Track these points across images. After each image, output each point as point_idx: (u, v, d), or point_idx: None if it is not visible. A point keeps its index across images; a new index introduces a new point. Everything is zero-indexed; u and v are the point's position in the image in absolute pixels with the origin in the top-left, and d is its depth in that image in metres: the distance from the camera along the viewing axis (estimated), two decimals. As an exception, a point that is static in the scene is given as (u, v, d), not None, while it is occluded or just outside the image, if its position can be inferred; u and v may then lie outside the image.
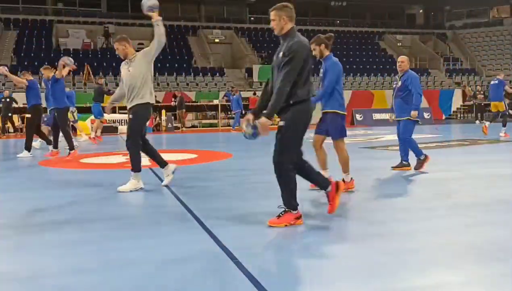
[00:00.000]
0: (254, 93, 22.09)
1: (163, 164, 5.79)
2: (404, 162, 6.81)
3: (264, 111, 3.69)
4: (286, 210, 3.81)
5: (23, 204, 4.99)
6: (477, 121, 22.03)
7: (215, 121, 22.18)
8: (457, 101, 28.11)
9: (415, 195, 5.14)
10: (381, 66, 30.95)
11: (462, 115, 27.49)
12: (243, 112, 19.92)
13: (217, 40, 31.82)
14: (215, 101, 22.27)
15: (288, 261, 3.03)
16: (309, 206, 4.66)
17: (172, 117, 20.25)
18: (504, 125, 13.07)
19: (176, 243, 3.45)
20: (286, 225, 3.74)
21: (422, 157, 6.65)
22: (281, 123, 3.80)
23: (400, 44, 34.85)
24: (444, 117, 27.52)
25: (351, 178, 5.40)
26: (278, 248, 3.28)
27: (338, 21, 36.74)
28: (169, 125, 19.77)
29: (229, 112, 22.77)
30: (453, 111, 28.15)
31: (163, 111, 20.14)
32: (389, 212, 4.35)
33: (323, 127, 5.40)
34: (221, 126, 21.85)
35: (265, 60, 29.10)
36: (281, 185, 3.85)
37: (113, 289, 2.62)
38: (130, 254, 3.22)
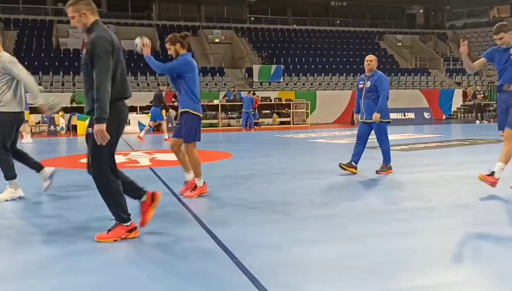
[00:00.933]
0: (254, 93, 22.09)
1: (38, 168, 5.37)
2: (353, 163, 6.68)
3: (94, 117, 3.31)
4: (117, 223, 3.48)
5: (21, 203, 4.99)
6: (477, 121, 22.03)
7: (215, 121, 22.17)
8: (457, 101, 28.11)
9: (415, 194, 5.14)
10: (382, 66, 30.87)
11: (462, 115, 27.49)
12: (254, 112, 20.15)
13: (217, 40, 31.81)
14: (215, 101, 22.27)
15: (288, 260, 3.03)
16: (308, 206, 4.66)
17: (173, 117, 20.24)
18: None
19: (176, 243, 3.45)
20: (115, 240, 3.42)
21: (388, 164, 6.54)
22: (89, 130, 3.42)
23: (400, 44, 34.83)
24: (444, 117, 27.51)
25: (204, 182, 5.14)
26: (278, 247, 3.28)
27: (338, 21, 36.73)
28: (169, 125, 19.76)
29: (229, 112, 22.77)
30: (453, 111, 28.14)
31: (163, 111, 20.12)
32: (389, 211, 4.35)
33: (180, 129, 5.13)
34: (221, 126, 21.84)
35: (265, 60, 29.09)
36: (103, 198, 3.50)
37: (112, 289, 2.62)
38: (130, 253, 3.22)
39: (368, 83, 6.54)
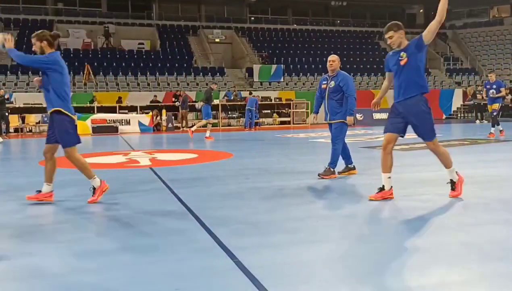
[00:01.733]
0: (250, 93, 22.11)
1: None
2: (349, 165, 6.54)
3: None
4: None
5: (22, 203, 4.99)
6: (477, 121, 22.02)
7: (215, 121, 22.18)
8: (457, 101, 28.11)
9: (414, 194, 5.14)
10: (382, 66, 30.85)
11: (462, 115, 27.49)
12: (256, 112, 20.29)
13: (217, 40, 31.81)
14: (216, 101, 22.27)
15: (288, 260, 3.03)
16: (308, 205, 4.66)
17: (172, 117, 20.25)
18: (493, 126, 13.05)
19: (176, 242, 3.45)
20: None
21: (333, 168, 6.28)
22: None
23: (400, 44, 34.80)
24: (444, 117, 27.51)
25: (101, 180, 4.98)
26: (278, 247, 3.28)
27: (338, 21, 36.74)
28: (169, 125, 19.77)
29: (229, 112, 22.78)
30: (453, 111, 28.14)
31: (164, 111, 20.14)
32: (388, 211, 4.35)
33: (52, 135, 4.88)
34: (221, 126, 21.85)
35: (265, 60, 29.09)
36: None
37: (112, 289, 2.62)
38: (130, 253, 3.22)
39: (332, 84, 6.29)
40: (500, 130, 13.25)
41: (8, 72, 24.37)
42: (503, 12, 37.65)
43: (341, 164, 6.57)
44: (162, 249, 3.29)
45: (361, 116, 22.35)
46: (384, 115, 22.95)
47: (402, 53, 4.67)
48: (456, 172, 4.88)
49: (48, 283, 2.74)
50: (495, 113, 13.50)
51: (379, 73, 29.64)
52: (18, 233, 3.86)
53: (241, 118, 22.22)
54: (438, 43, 35.45)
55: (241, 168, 7.55)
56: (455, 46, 35.36)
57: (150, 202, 5.05)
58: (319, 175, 6.20)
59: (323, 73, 31.07)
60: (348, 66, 30.21)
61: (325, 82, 6.43)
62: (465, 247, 3.22)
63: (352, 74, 29.32)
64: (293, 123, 22.82)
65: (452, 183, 4.82)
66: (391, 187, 4.82)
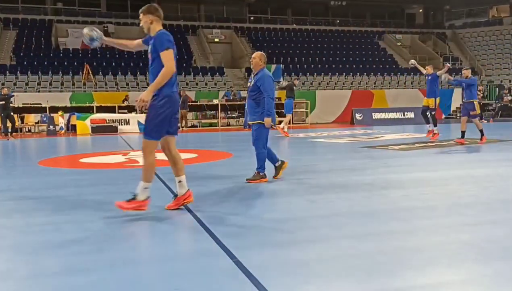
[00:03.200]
0: None
1: None
2: (260, 172, 6.07)
3: None
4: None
5: (22, 203, 4.99)
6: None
7: (215, 121, 22.17)
8: (456, 101, 28.11)
9: (414, 194, 5.14)
10: (381, 66, 30.94)
11: (461, 114, 27.47)
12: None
13: (216, 40, 31.79)
14: (215, 101, 22.27)
15: (287, 260, 3.03)
16: (308, 204, 4.66)
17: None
18: (435, 125, 12.26)
19: (176, 242, 3.45)
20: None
21: (262, 173, 5.96)
22: None
23: (399, 43, 34.85)
24: (443, 116, 27.51)
25: None
26: (277, 247, 3.27)
27: (338, 21, 36.73)
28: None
29: (228, 112, 22.76)
30: (453, 111, 28.15)
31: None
32: (388, 211, 4.35)
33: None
34: (221, 126, 21.85)
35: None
36: None
37: (112, 288, 2.62)
38: (130, 253, 3.22)
39: (252, 82, 5.96)
40: (430, 131, 12.29)
41: (7, 72, 24.35)
42: (502, 12, 37.67)
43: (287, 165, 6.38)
44: (161, 249, 3.29)
45: (360, 116, 22.36)
46: (383, 115, 22.99)
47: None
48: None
49: (47, 282, 2.73)
50: (433, 113, 12.41)
51: (379, 73, 29.64)
52: (17, 233, 3.85)
53: (241, 118, 22.22)
54: (438, 43, 35.47)
55: (241, 167, 7.55)
56: (454, 46, 35.38)
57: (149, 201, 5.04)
58: (247, 179, 5.90)
59: (322, 73, 30.95)
60: (347, 66, 30.22)
61: (250, 80, 6.11)
62: (464, 246, 3.22)
63: (351, 73, 29.38)
64: (293, 123, 22.81)
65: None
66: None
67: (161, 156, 4.91)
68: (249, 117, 6.09)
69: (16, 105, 19.78)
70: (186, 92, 21.98)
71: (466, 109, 10.75)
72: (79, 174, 7.27)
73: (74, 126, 18.34)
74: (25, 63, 25.07)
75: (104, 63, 26.67)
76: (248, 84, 6.18)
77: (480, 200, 4.72)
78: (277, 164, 6.27)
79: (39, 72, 24.13)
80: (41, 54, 26.12)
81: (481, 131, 10.72)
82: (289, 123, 14.50)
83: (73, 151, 12.28)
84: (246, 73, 28.31)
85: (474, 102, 10.61)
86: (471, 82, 10.64)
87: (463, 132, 10.71)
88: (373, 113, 22.62)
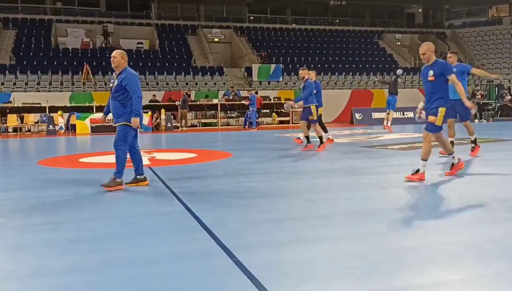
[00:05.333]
0: (256, 92, 22.10)
1: None
2: (138, 177, 5.83)
3: None
4: None
5: (22, 203, 4.99)
6: (476, 120, 22.06)
7: (214, 120, 22.17)
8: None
9: (414, 193, 5.15)
10: (381, 66, 30.95)
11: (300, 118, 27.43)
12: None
13: (216, 40, 31.79)
14: (215, 101, 22.27)
15: (287, 259, 3.03)
16: (307, 204, 4.67)
17: (172, 116, 20.24)
18: (325, 131, 11.26)
19: (176, 242, 3.45)
20: None
21: (119, 179, 5.62)
22: None
23: (399, 43, 34.86)
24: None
25: None
26: (277, 246, 3.28)
27: (337, 20, 36.74)
28: (169, 124, 19.76)
29: (228, 112, 22.76)
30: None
31: (163, 111, 20.13)
32: (388, 210, 4.35)
33: None
34: (220, 125, 21.85)
35: (264, 59, 29.08)
36: None
37: (111, 288, 2.62)
38: (129, 253, 3.22)
39: (116, 82, 5.67)
40: (328, 138, 11.32)
41: (7, 71, 24.34)
42: (501, 11, 37.68)
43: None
44: (161, 248, 3.29)
45: (360, 116, 22.37)
46: (383, 115, 22.96)
47: None
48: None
49: (46, 282, 2.74)
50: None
51: (378, 73, 29.65)
52: (17, 233, 3.85)
53: (240, 118, 22.22)
54: (437, 42, 35.47)
55: (240, 167, 7.55)
56: (454, 46, 35.35)
57: (149, 201, 5.05)
58: (102, 185, 5.57)
59: (322, 73, 30.94)
60: (347, 65, 30.22)
61: (113, 80, 5.79)
62: (464, 246, 3.22)
63: (351, 73, 29.37)
64: (292, 123, 22.81)
65: None
66: None
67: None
68: (114, 119, 5.73)
69: (15, 105, 19.80)
70: (186, 92, 21.98)
71: (304, 114, 9.93)
72: (79, 174, 7.27)
73: (73, 126, 18.34)
74: (24, 63, 25.05)
75: (103, 63, 26.65)
76: (110, 85, 5.80)
77: (479, 199, 4.73)
78: (140, 176, 5.84)
79: (39, 72, 24.12)
80: (41, 54, 26.10)
81: (320, 137, 9.95)
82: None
83: (73, 150, 12.28)
84: (246, 73, 28.33)
85: (311, 107, 9.78)
86: (312, 88, 9.87)
87: (307, 137, 9.99)
88: (372, 113, 22.63)
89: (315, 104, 9.98)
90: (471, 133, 8.36)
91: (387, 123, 14.97)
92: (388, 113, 14.91)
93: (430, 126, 5.89)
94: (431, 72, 5.90)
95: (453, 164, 6.24)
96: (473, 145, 8.41)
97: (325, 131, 11.41)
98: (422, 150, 5.95)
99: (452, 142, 8.04)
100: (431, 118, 5.88)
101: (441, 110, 5.85)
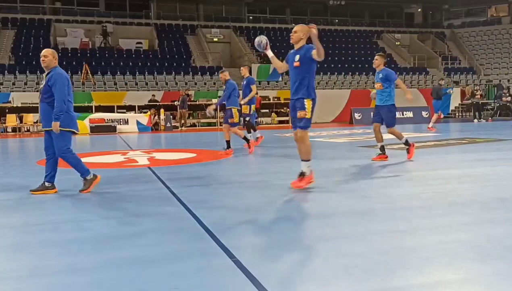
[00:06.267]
0: (256, 93, 22.09)
1: None
2: (46, 184, 5.42)
3: None
4: None
5: (21, 203, 4.99)
6: (475, 120, 22.08)
7: (213, 120, 22.17)
8: (455, 100, 28.15)
9: (413, 193, 5.14)
10: (380, 65, 30.93)
11: (460, 114, 27.53)
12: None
13: (215, 39, 31.79)
14: (214, 101, 22.26)
15: (286, 259, 3.03)
16: (307, 204, 4.67)
17: (171, 116, 20.25)
18: (250, 132, 11.24)
19: (175, 242, 3.45)
20: None
21: (89, 176, 5.45)
22: None
23: (398, 43, 34.87)
24: (442, 116, 27.54)
25: None
26: (276, 246, 3.27)
27: (336, 20, 36.74)
28: (168, 124, 19.76)
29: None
30: (452, 110, 28.19)
31: (162, 111, 20.13)
32: (387, 210, 4.35)
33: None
34: (220, 125, 21.84)
35: (263, 59, 29.07)
36: None
37: (110, 288, 2.62)
38: (128, 253, 3.22)
39: (44, 83, 5.37)
40: (257, 138, 11.06)
41: (6, 71, 24.32)
42: (501, 11, 37.72)
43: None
44: (160, 248, 3.29)
45: (359, 116, 22.37)
46: (382, 115, 22.95)
47: None
48: None
49: (46, 282, 2.73)
50: (247, 119, 11.06)
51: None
52: (17, 232, 3.85)
53: (240, 118, 22.21)
54: (436, 42, 35.49)
55: (240, 167, 7.55)
56: (453, 46, 35.41)
57: (148, 201, 5.04)
58: (80, 191, 5.41)
59: (321, 73, 30.99)
60: (346, 65, 30.23)
61: (42, 81, 5.50)
62: (463, 245, 3.22)
63: (350, 73, 29.37)
64: (292, 123, 22.82)
65: None
66: None
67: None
68: (42, 123, 5.41)
69: (14, 105, 19.78)
70: (186, 92, 21.96)
71: (226, 117, 9.57)
72: (78, 174, 7.26)
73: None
74: (23, 62, 25.04)
75: (102, 63, 26.65)
76: (40, 85, 5.50)
77: (478, 199, 4.73)
78: (47, 183, 5.46)
79: (38, 71, 24.10)
80: (40, 54, 26.08)
81: (245, 138, 9.62)
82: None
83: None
84: (245, 73, 28.34)
85: (233, 109, 9.42)
86: (232, 88, 9.46)
87: (227, 142, 9.48)
88: (372, 113, 22.63)
89: (237, 108, 9.55)
90: (399, 137, 7.90)
91: (430, 123, 15.91)
92: (433, 116, 16.08)
93: (302, 122, 5.28)
94: (297, 57, 5.30)
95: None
96: (406, 147, 7.95)
97: (254, 129, 11.22)
98: (301, 151, 5.38)
99: (382, 147, 7.86)
100: (300, 113, 5.24)
101: (307, 102, 5.25)
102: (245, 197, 5.09)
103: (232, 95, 9.50)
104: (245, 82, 10.99)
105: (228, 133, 9.55)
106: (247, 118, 11.14)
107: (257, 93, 21.85)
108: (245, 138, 9.74)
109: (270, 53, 5.68)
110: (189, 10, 33.96)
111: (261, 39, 5.59)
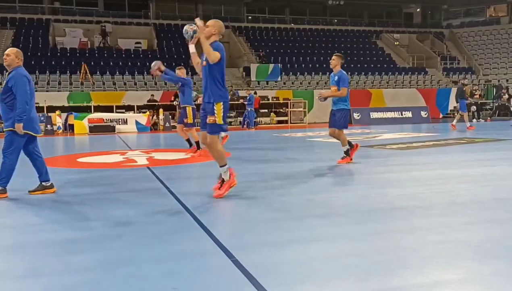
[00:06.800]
0: (255, 92, 22.11)
1: None
2: (43, 183, 5.43)
3: None
4: None
5: (20, 203, 4.98)
6: (474, 120, 22.10)
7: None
8: (454, 100, 28.15)
9: (412, 193, 5.14)
10: (379, 65, 30.98)
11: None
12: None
13: (214, 39, 31.75)
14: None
15: (286, 259, 3.02)
16: (306, 203, 4.66)
17: (170, 116, 20.24)
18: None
19: (174, 242, 3.44)
20: None
21: (1, 186, 5.19)
22: None
23: (397, 43, 34.88)
24: (441, 116, 27.56)
25: None
26: (275, 246, 3.27)
27: (335, 20, 36.75)
28: (167, 124, 19.75)
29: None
30: (450, 110, 28.19)
31: (161, 110, 20.11)
32: (387, 210, 4.35)
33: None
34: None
35: (262, 59, 29.07)
36: None
37: (110, 288, 2.61)
38: (128, 252, 3.21)
39: (4, 83, 5.22)
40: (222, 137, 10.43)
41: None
42: (500, 11, 37.75)
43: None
44: (159, 248, 3.28)
45: (358, 116, 22.38)
46: (381, 115, 23.01)
47: None
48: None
49: (45, 282, 2.73)
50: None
51: (376, 73, 29.67)
52: (16, 232, 3.84)
53: (239, 118, 22.23)
54: (435, 42, 35.51)
55: (238, 167, 7.54)
56: (452, 45, 35.43)
57: (147, 201, 5.04)
58: (29, 191, 5.37)
59: (320, 73, 31.00)
60: (345, 65, 30.06)
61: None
62: (462, 245, 3.22)
63: (349, 73, 29.32)
64: (291, 123, 22.82)
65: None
66: None
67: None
68: (4, 124, 5.25)
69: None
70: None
71: (180, 116, 9.16)
72: (77, 174, 7.25)
73: (71, 126, 18.30)
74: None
75: (101, 63, 26.62)
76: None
77: (477, 199, 4.73)
78: (45, 183, 5.45)
79: (37, 71, 24.07)
80: (39, 54, 26.05)
81: (196, 143, 9.01)
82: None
83: (71, 150, 12.25)
84: (244, 73, 28.34)
85: (187, 107, 8.90)
86: (185, 82, 8.96)
87: (188, 141, 9.21)
88: (371, 113, 22.65)
89: (192, 106, 8.94)
90: (343, 143, 7.54)
91: (466, 123, 16.12)
92: (461, 115, 16.20)
93: (212, 128, 4.89)
94: (205, 55, 4.87)
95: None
96: (345, 155, 7.57)
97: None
98: (214, 157, 5.04)
99: (347, 151, 7.57)
100: (210, 119, 4.86)
101: (217, 106, 4.87)
102: (244, 197, 5.08)
103: (186, 91, 8.93)
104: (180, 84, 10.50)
105: (184, 133, 9.18)
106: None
107: (255, 93, 21.95)
108: (188, 140, 9.20)
109: (192, 48, 5.11)
110: (188, 10, 33.94)
111: (187, 30, 5.06)
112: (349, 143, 7.60)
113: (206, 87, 4.90)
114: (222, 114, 4.87)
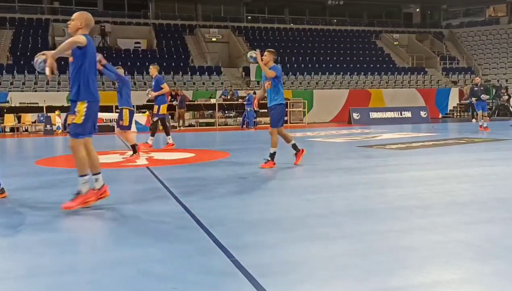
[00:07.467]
0: (254, 92, 22.11)
1: None
2: None
3: None
4: None
5: (19, 203, 4.97)
6: (474, 120, 22.11)
7: (212, 120, 22.16)
8: (453, 100, 28.18)
9: (412, 193, 5.15)
10: (378, 65, 30.98)
11: (458, 114, 27.57)
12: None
13: (214, 39, 31.77)
14: (212, 101, 22.26)
15: (285, 259, 3.02)
16: (305, 203, 4.66)
17: (169, 116, 20.23)
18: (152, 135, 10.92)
19: (173, 242, 3.44)
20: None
21: None
22: None
23: (397, 43, 34.89)
24: (440, 115, 27.58)
25: None
26: (275, 246, 3.27)
27: (335, 20, 36.76)
28: (168, 124, 19.76)
29: (226, 111, 22.76)
30: (450, 110, 28.22)
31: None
32: (386, 210, 4.35)
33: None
34: (218, 125, 21.84)
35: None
36: None
37: (109, 288, 2.61)
38: (127, 252, 3.21)
39: None
40: (167, 143, 10.61)
41: (4, 71, 24.27)
42: (499, 11, 37.77)
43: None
44: (158, 248, 3.28)
45: (358, 115, 22.39)
46: (381, 115, 23.01)
47: None
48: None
49: (44, 281, 2.72)
50: (155, 119, 10.63)
51: (376, 73, 29.67)
52: (15, 232, 3.84)
53: (238, 118, 22.23)
54: (435, 42, 35.52)
55: (238, 167, 7.55)
56: (451, 45, 35.44)
57: (146, 201, 5.04)
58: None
59: (320, 73, 31.03)
60: (345, 65, 30.23)
61: None
62: (462, 245, 3.22)
63: (348, 73, 29.37)
64: (290, 123, 22.82)
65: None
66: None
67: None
68: None
69: (13, 105, 19.74)
70: (183, 92, 21.95)
71: (118, 118, 8.88)
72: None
73: (71, 126, 18.29)
74: (21, 62, 24.98)
75: (101, 63, 26.59)
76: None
77: (477, 198, 4.73)
78: None
79: (36, 71, 24.06)
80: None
81: (132, 146, 8.64)
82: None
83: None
84: (244, 73, 28.34)
85: (124, 109, 8.59)
86: (124, 80, 8.57)
87: (133, 146, 8.65)
88: (370, 113, 22.66)
89: (129, 108, 8.66)
90: (273, 145, 7.32)
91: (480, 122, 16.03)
92: (478, 115, 16.42)
93: (72, 129, 4.44)
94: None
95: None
96: (295, 151, 7.53)
97: (153, 135, 10.75)
98: (76, 163, 4.57)
99: (294, 145, 7.48)
100: (70, 118, 4.45)
101: (79, 105, 4.40)
102: (243, 197, 5.08)
103: (124, 91, 8.51)
104: (153, 82, 10.33)
105: (125, 136, 8.80)
106: (155, 119, 10.73)
107: (255, 93, 21.95)
108: (132, 146, 8.69)
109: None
110: (187, 10, 33.93)
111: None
112: (295, 146, 7.49)
113: (71, 84, 4.61)
114: (84, 113, 4.39)
